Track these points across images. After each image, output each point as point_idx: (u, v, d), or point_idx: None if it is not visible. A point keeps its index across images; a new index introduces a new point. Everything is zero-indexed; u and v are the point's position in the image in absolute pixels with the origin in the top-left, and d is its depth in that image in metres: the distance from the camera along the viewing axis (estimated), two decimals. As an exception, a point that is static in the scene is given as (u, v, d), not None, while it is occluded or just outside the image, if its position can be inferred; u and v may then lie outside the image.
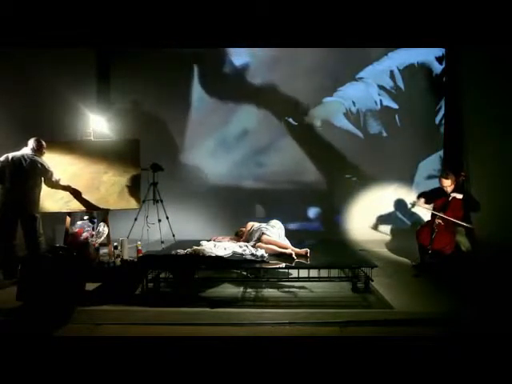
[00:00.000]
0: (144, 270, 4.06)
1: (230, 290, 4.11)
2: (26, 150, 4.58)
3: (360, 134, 6.95)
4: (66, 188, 4.93)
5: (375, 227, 6.73)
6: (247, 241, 4.70)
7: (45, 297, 3.43)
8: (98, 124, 5.67)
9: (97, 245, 5.02)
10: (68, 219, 5.13)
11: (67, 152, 5.14)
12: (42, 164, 4.59)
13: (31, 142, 4.63)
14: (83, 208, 5.06)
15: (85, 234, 5.16)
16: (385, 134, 6.94)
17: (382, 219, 6.79)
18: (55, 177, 4.74)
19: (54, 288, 3.46)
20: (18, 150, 4.59)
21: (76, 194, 4.99)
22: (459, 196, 4.68)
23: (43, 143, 4.70)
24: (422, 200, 5.02)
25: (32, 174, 4.51)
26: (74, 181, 5.02)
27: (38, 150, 4.65)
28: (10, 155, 4.49)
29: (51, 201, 4.97)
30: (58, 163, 5.02)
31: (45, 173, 4.62)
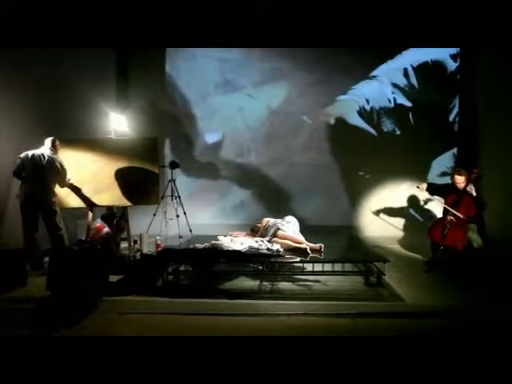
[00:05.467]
0: (164, 263, 4.23)
1: (246, 282, 4.26)
2: (45, 149, 4.76)
3: (374, 132, 7.04)
4: (74, 188, 5.11)
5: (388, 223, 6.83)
6: (263, 236, 4.82)
7: (72, 287, 3.61)
8: (119, 122, 5.84)
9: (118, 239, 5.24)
10: (90, 214, 5.31)
11: (89, 150, 5.30)
12: (59, 163, 4.78)
13: (48, 142, 4.82)
14: (105, 204, 5.26)
15: (105, 229, 5.36)
16: (398, 132, 7.02)
17: (396, 216, 6.87)
18: (67, 177, 4.93)
19: (80, 278, 3.64)
20: (37, 148, 4.77)
21: (77, 191, 5.16)
22: (474, 192, 4.74)
23: (58, 143, 4.90)
24: (424, 185, 5.04)
25: (50, 172, 4.70)
26: (96, 178, 5.21)
27: (55, 149, 4.86)
28: (30, 153, 4.67)
29: (74, 197, 5.17)
30: (81, 161, 5.22)
31: (60, 172, 4.80)
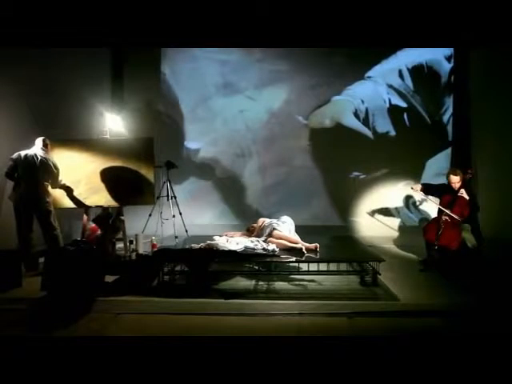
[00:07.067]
0: (160, 263, 4.23)
1: (242, 282, 4.27)
2: (37, 149, 4.72)
3: (369, 133, 7.07)
4: (67, 189, 5.09)
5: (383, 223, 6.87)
6: (258, 236, 4.83)
7: (68, 287, 3.61)
8: (114, 123, 5.84)
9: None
10: (85, 215, 5.30)
11: (84, 150, 5.27)
12: (53, 163, 4.76)
13: (39, 142, 4.77)
14: (100, 204, 5.25)
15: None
16: (393, 133, 7.05)
17: (391, 216, 6.91)
18: (59, 178, 4.91)
19: (76, 279, 3.64)
20: (30, 148, 4.74)
21: (69, 192, 5.14)
22: (466, 196, 4.77)
23: (49, 142, 4.86)
24: (419, 186, 5.14)
25: (43, 172, 4.67)
26: (92, 178, 5.20)
27: (47, 148, 4.83)
28: (22, 153, 4.63)
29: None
30: (76, 161, 5.20)
31: (53, 172, 4.77)
